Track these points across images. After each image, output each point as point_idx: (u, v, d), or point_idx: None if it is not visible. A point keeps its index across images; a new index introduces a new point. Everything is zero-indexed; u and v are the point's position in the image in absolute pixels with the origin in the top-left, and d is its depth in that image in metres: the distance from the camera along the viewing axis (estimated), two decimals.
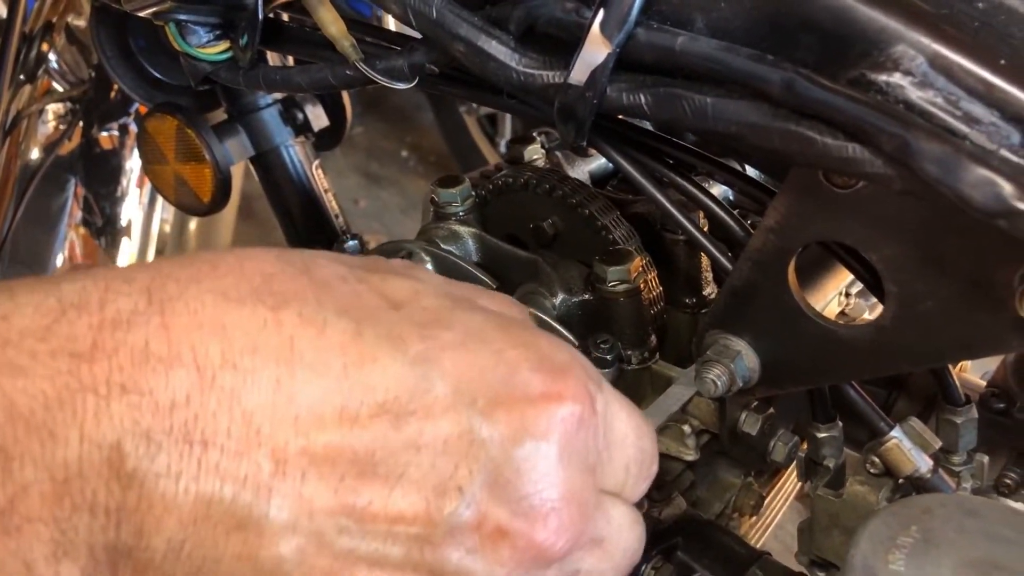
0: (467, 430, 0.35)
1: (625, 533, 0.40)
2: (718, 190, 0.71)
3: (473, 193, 0.70)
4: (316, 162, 0.96)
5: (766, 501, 0.84)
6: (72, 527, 0.31)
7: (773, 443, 0.64)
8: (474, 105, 2.72)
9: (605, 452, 0.39)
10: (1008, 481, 0.60)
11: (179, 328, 0.33)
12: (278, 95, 0.91)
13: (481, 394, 0.35)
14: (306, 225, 1.00)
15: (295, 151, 0.94)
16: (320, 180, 0.97)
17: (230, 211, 1.23)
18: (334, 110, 0.95)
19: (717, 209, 0.53)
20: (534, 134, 0.80)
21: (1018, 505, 0.61)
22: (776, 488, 0.84)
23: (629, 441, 0.41)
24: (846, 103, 0.37)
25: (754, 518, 0.83)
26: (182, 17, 0.61)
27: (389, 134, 3.42)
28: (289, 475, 0.33)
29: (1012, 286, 0.39)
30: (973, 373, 0.76)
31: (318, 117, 0.93)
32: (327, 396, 0.34)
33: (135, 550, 0.32)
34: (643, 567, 0.55)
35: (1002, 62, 0.39)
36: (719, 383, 0.51)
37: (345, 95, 0.98)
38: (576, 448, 0.37)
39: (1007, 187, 0.34)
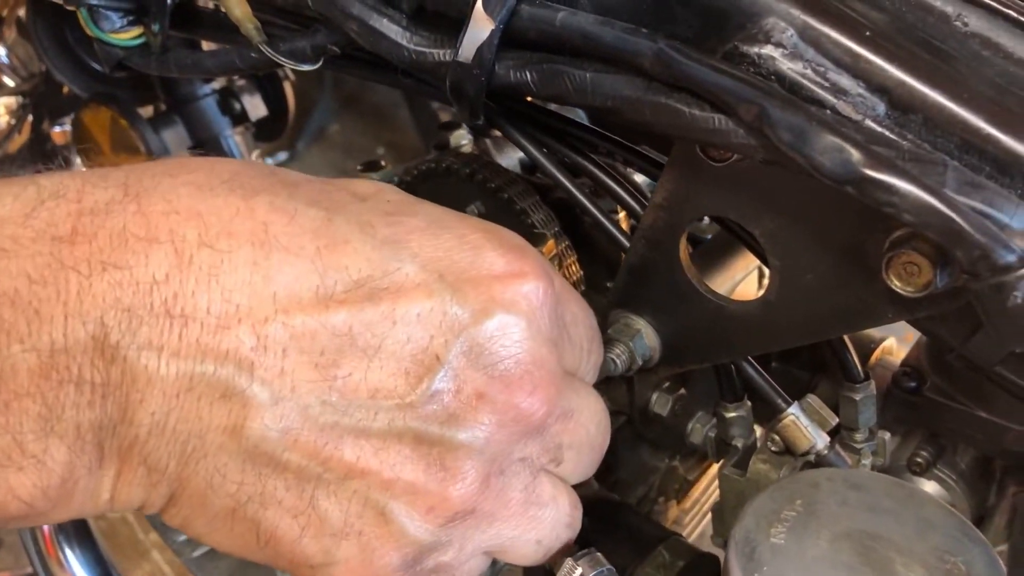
0: (438, 303, 0.36)
1: (593, 404, 0.43)
2: (642, 177, 0.71)
3: (396, 179, 0.69)
4: (256, 152, 0.96)
5: (703, 485, 0.84)
6: (59, 403, 0.32)
7: (691, 425, 0.65)
8: None
9: (564, 331, 0.41)
10: (920, 460, 0.60)
11: (156, 214, 0.34)
12: (215, 85, 0.91)
13: (448, 272, 0.37)
14: None
15: (234, 141, 0.93)
16: None
17: None
18: (275, 100, 0.95)
19: (617, 188, 0.53)
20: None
21: (930, 485, 0.61)
22: (713, 472, 0.84)
23: (580, 319, 0.43)
24: (709, 74, 0.38)
25: (689, 502, 0.83)
26: (93, 2, 0.61)
27: (366, 131, 3.40)
28: (270, 350, 0.34)
29: (881, 256, 0.39)
30: None
31: (256, 107, 0.92)
32: (303, 276, 0.35)
33: (120, 425, 0.33)
34: None
35: (867, 33, 0.39)
36: (619, 362, 0.51)
37: (288, 86, 0.98)
38: (541, 322, 0.39)
39: (855, 154, 0.34)
